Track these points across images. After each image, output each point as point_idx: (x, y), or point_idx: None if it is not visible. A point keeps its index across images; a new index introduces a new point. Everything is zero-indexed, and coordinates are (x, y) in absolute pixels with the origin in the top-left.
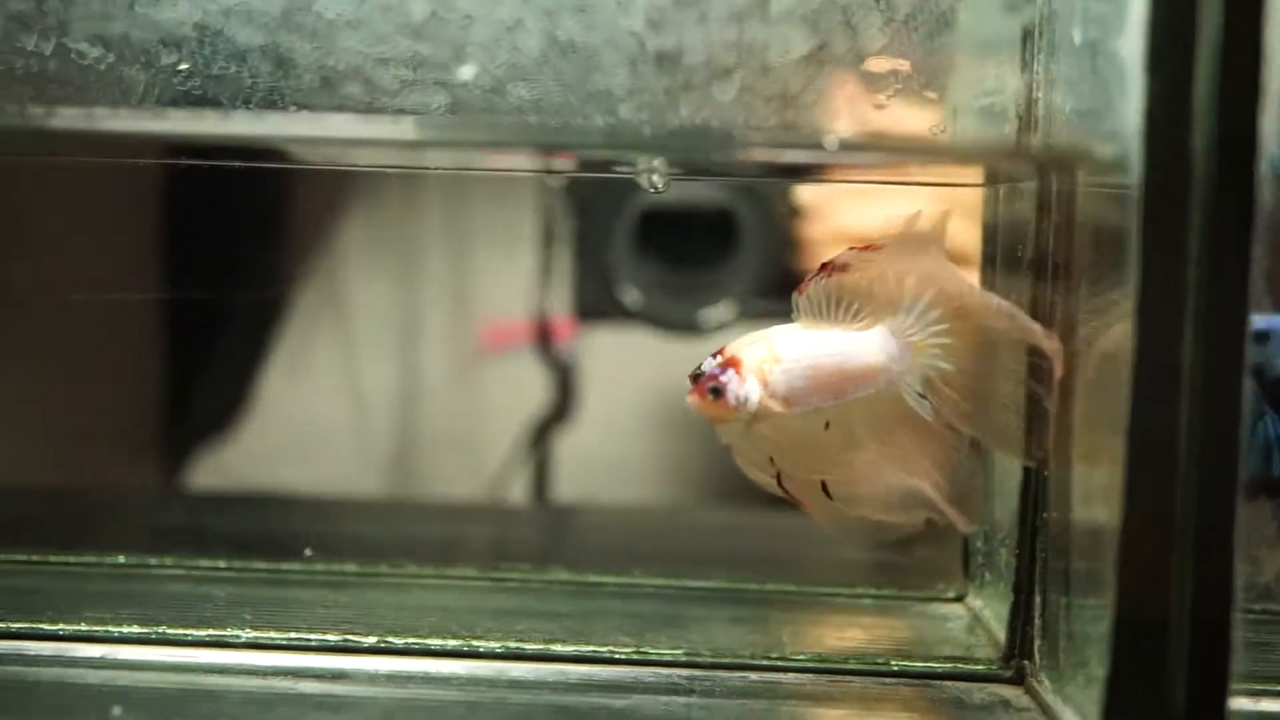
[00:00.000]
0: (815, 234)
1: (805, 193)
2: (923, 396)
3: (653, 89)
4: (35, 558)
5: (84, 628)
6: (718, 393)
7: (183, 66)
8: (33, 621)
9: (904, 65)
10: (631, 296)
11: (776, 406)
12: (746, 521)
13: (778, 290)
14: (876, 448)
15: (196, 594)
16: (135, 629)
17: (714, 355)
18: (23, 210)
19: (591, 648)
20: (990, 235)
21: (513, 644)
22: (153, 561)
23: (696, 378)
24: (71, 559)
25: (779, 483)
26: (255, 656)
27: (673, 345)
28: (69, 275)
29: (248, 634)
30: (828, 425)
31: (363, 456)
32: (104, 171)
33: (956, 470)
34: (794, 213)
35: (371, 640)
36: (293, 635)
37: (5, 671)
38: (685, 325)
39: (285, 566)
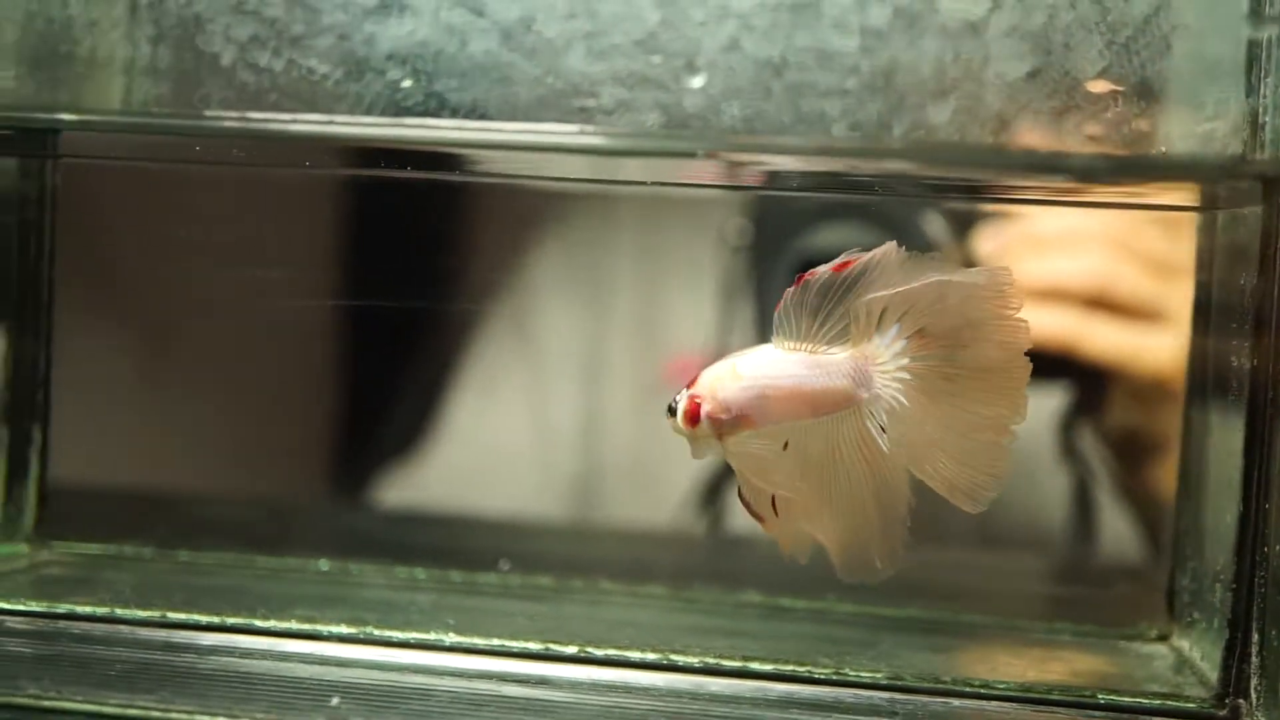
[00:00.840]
0: None
1: (982, 246)
2: (883, 430)
3: (867, 109)
4: (242, 560)
5: (295, 625)
6: (671, 411)
7: (406, 83)
8: (247, 617)
9: (1123, 86)
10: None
11: (726, 420)
12: (937, 555)
13: None
14: (823, 474)
15: (399, 600)
16: (344, 628)
17: None
18: (226, 224)
19: (790, 667)
20: (1206, 262)
21: (711, 660)
22: (353, 569)
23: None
24: (276, 563)
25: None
26: (460, 659)
27: None
28: (267, 289)
29: (452, 638)
30: (785, 445)
31: (545, 482)
32: (298, 185)
33: (896, 509)
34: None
35: (572, 650)
36: (495, 641)
37: (223, 662)
38: None
39: (481, 579)
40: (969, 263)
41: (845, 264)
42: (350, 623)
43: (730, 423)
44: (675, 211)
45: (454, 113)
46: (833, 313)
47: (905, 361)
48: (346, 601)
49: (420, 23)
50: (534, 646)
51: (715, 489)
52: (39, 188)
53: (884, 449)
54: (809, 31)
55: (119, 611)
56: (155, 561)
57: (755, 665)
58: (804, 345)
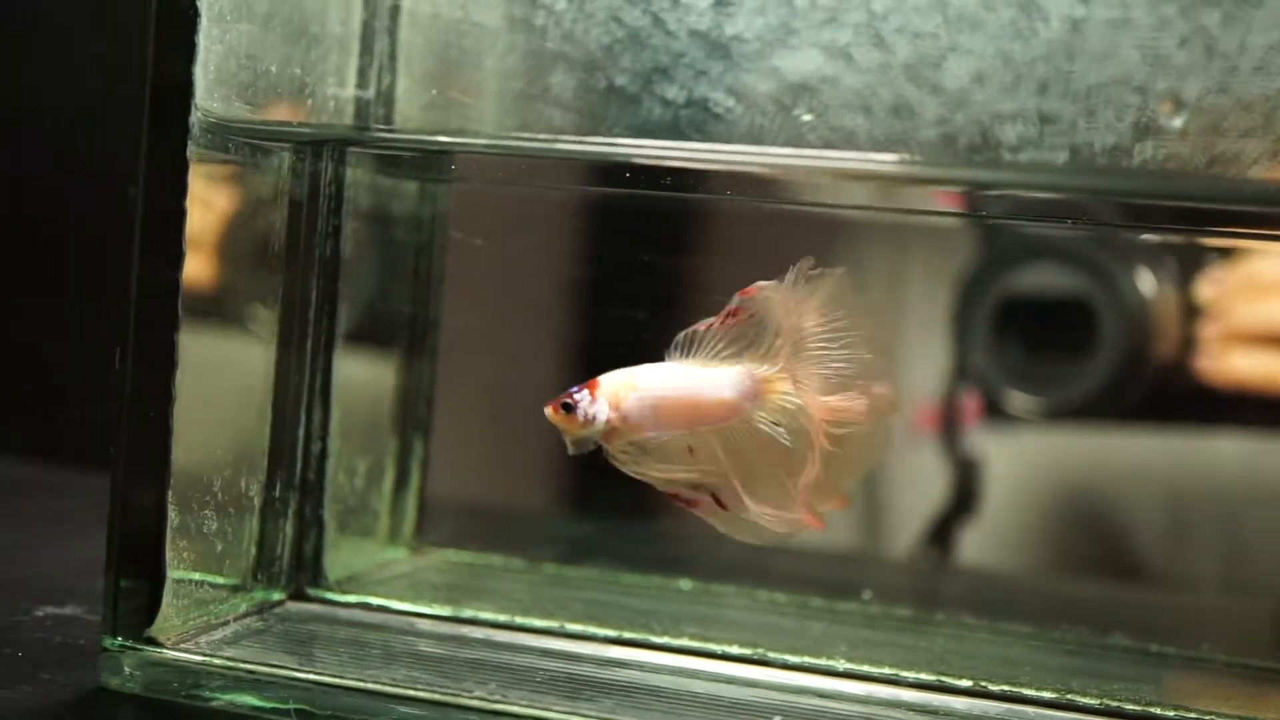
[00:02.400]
0: (1211, 334)
1: (1202, 290)
2: (778, 424)
3: None
4: (608, 576)
5: (688, 642)
6: (569, 408)
7: (806, 117)
8: (645, 633)
9: None
10: (990, 384)
11: (623, 428)
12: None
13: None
14: (740, 466)
15: (768, 622)
16: (736, 649)
17: None
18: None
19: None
20: None
21: (1112, 702)
22: (714, 588)
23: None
24: (641, 580)
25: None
26: (853, 686)
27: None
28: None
29: (843, 664)
30: (690, 449)
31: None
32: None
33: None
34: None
35: (966, 683)
36: (888, 670)
37: (630, 675)
38: (1043, 414)
39: (841, 606)
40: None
41: (734, 312)
42: (741, 643)
43: (622, 429)
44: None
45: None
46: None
47: (786, 371)
48: (721, 621)
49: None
50: (926, 677)
51: (945, 526)
52: (433, 211)
53: (785, 443)
54: None
55: (518, 619)
56: (524, 573)
57: (1156, 710)
58: (698, 360)
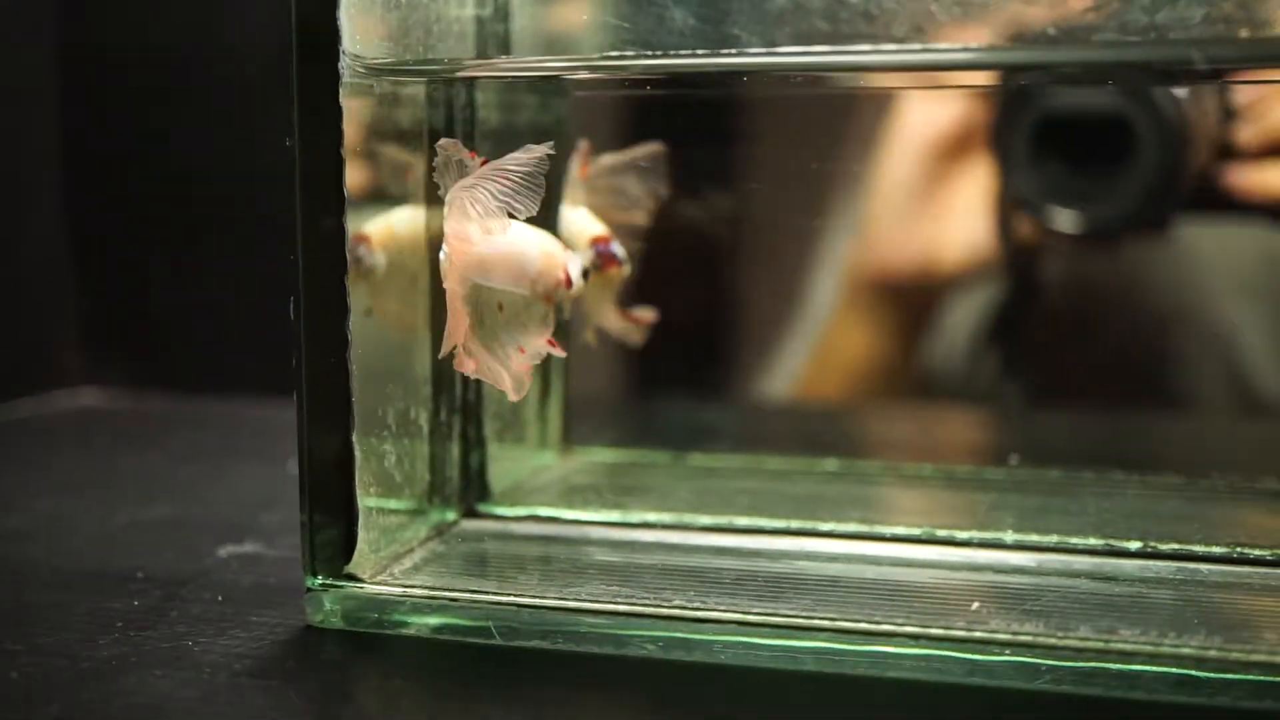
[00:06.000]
0: (1248, 137)
1: (1239, 95)
2: None
3: None
4: (751, 462)
5: (856, 527)
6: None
7: None
8: (812, 520)
9: None
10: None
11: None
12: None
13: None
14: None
15: (923, 497)
16: (904, 529)
17: None
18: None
19: None
20: None
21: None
22: (859, 465)
23: None
24: (786, 463)
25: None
26: (1024, 557)
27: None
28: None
29: (1011, 536)
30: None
31: None
32: None
33: None
34: (1226, 116)
35: (1136, 545)
36: (1055, 538)
37: (807, 567)
38: (1086, 230)
39: (989, 474)
40: None
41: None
42: (908, 524)
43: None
44: None
45: None
46: None
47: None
48: (877, 502)
49: None
50: (1095, 542)
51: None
52: (554, 117)
53: None
54: None
55: (685, 519)
56: (670, 466)
57: None
58: None
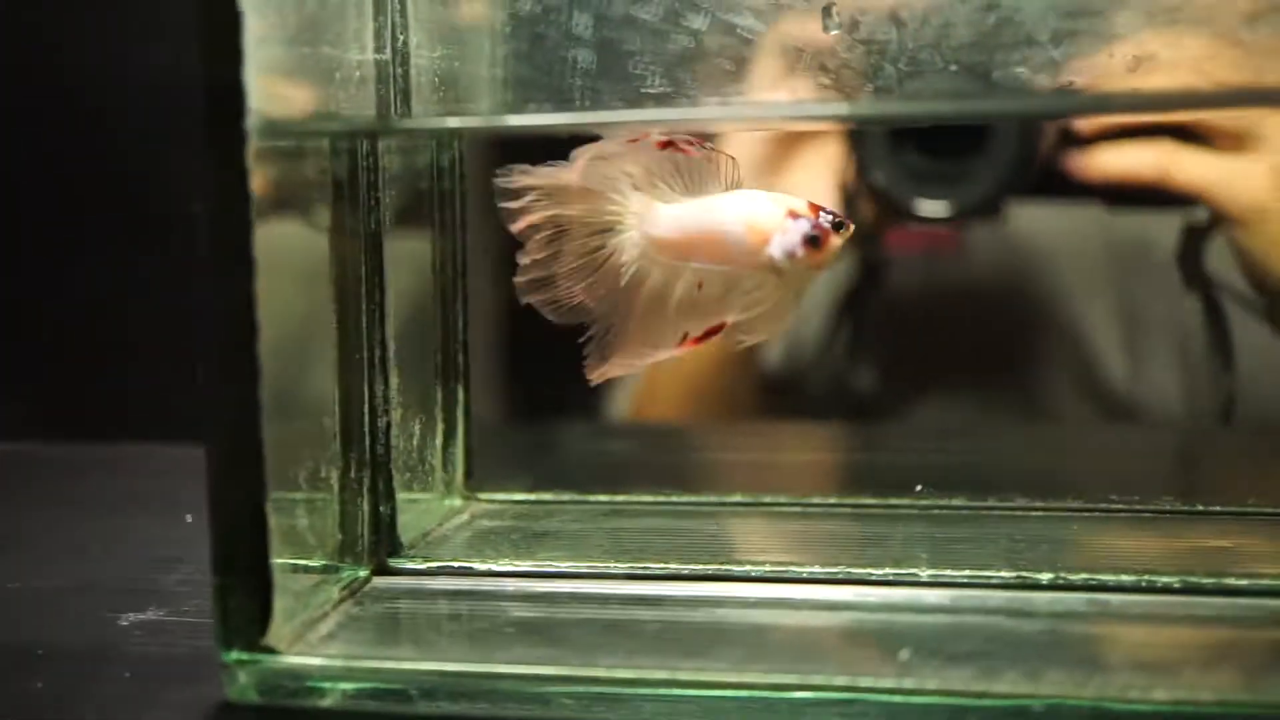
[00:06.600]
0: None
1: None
2: None
3: None
4: (660, 498)
5: (770, 569)
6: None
7: None
8: (727, 564)
9: None
10: (885, 184)
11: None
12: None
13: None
14: None
15: (836, 531)
16: (820, 568)
17: None
18: None
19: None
20: None
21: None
22: (766, 499)
23: None
24: (693, 499)
25: None
26: (938, 594)
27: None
28: None
29: (926, 573)
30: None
31: None
32: None
33: None
34: None
35: (1047, 576)
36: (969, 573)
37: (725, 615)
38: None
39: (894, 501)
40: None
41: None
42: (823, 562)
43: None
44: None
45: None
46: None
47: None
48: (791, 537)
49: None
50: (1008, 575)
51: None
52: (450, 157)
53: None
54: None
55: (597, 566)
56: (577, 506)
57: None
58: None
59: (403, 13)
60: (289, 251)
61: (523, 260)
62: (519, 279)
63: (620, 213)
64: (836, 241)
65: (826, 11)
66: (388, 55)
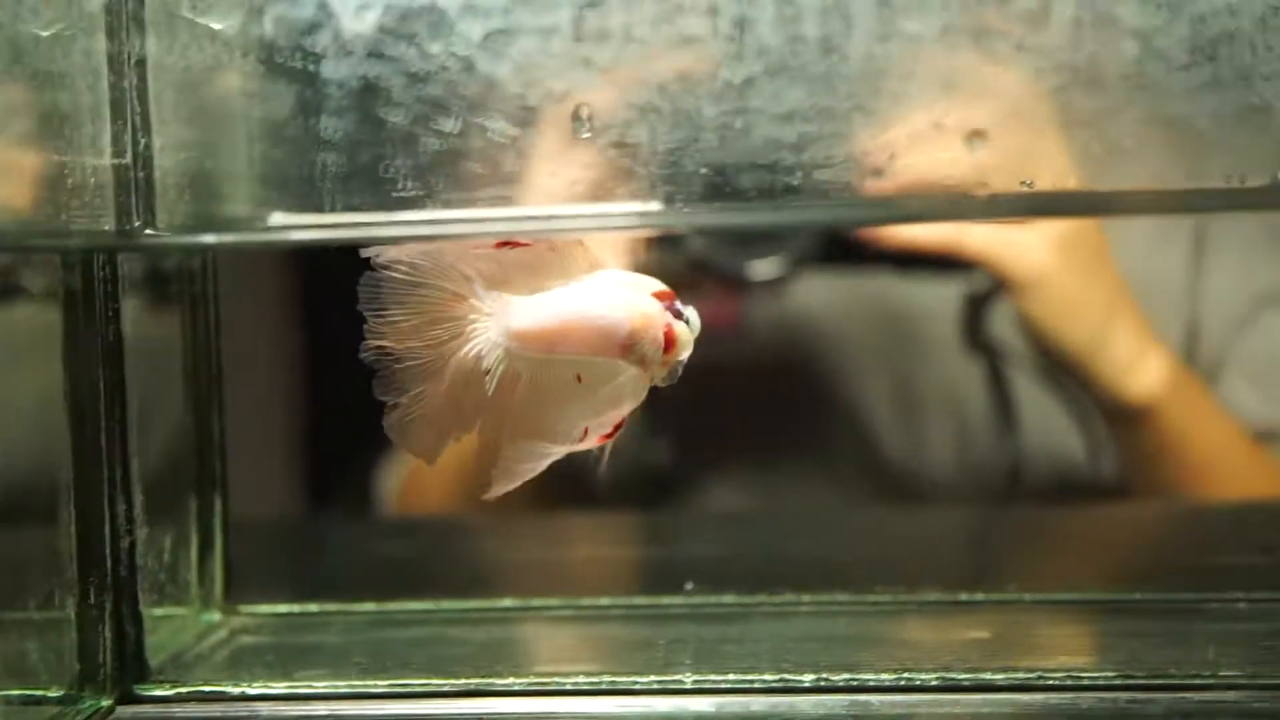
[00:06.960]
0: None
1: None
2: None
3: None
4: (430, 606)
5: (533, 681)
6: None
7: None
8: (491, 677)
9: None
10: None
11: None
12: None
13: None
14: None
15: (605, 635)
16: (584, 679)
17: None
18: None
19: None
20: None
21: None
22: (536, 602)
23: None
24: (460, 605)
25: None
26: (704, 702)
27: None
28: None
29: (691, 679)
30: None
31: None
32: None
33: None
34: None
35: (809, 678)
36: (732, 677)
37: None
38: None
39: (665, 601)
40: None
41: None
42: (588, 672)
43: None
44: None
45: None
46: None
47: None
48: (559, 642)
49: None
50: (770, 678)
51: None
52: (202, 260)
53: None
54: None
55: (358, 685)
56: (343, 616)
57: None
58: None
59: (144, 115)
60: (13, 374)
61: (390, 406)
62: (394, 435)
63: (476, 314)
64: (687, 335)
65: (575, 115)
66: (128, 159)
